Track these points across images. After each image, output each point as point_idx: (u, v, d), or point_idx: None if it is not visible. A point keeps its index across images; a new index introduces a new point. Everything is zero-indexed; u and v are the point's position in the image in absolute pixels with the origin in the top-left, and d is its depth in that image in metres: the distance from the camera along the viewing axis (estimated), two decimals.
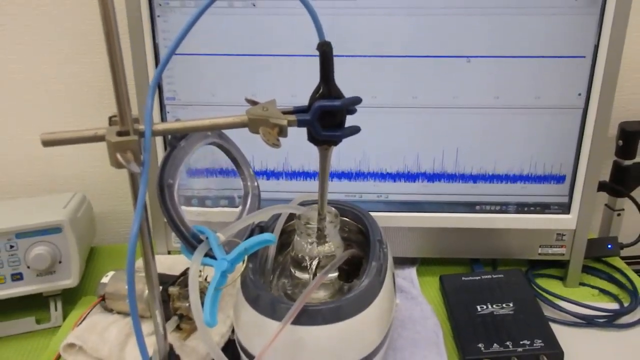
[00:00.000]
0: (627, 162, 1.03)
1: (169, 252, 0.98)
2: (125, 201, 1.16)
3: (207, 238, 0.62)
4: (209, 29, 0.83)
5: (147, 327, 0.73)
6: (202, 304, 0.56)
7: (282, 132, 0.55)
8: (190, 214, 0.92)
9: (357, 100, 0.57)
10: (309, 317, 0.60)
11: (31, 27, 1.01)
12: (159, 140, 0.89)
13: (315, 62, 0.82)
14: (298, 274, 0.72)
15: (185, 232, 0.62)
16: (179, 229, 0.61)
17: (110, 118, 0.55)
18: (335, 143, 0.60)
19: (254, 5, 0.82)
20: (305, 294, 0.60)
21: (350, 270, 0.70)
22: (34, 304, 0.87)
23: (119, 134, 0.51)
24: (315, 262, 0.69)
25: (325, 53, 0.55)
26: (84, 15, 1.01)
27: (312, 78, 0.82)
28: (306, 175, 0.91)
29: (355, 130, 0.59)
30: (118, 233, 1.18)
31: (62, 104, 1.07)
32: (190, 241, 0.62)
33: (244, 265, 0.60)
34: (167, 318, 0.74)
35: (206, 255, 0.61)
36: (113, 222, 1.18)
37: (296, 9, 0.81)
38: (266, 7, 0.82)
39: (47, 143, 0.51)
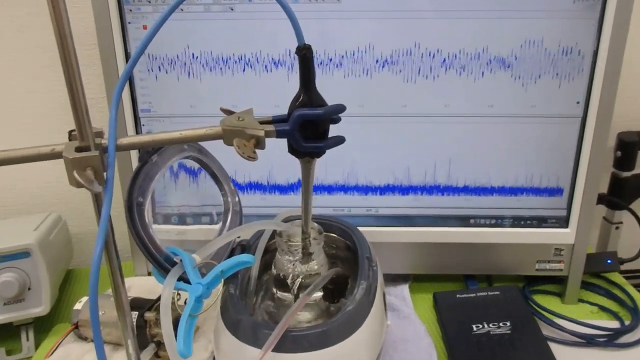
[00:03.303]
0: (626, 174, 0.99)
1: (149, 274, 0.93)
2: None
3: (181, 260, 0.57)
4: (186, 35, 0.79)
5: (122, 356, 0.69)
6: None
7: (259, 143, 0.51)
8: (169, 233, 0.88)
9: (341, 109, 0.53)
10: (293, 342, 0.55)
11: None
12: (134, 155, 0.84)
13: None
14: (280, 294, 0.67)
15: (157, 255, 0.57)
16: (150, 251, 0.57)
17: (69, 132, 0.50)
18: (319, 155, 0.56)
19: (232, 9, 0.78)
20: (287, 318, 0.55)
21: (336, 290, 0.66)
22: (4, 333, 0.82)
23: (78, 149, 0.47)
24: (297, 282, 0.65)
25: (306, 57, 0.51)
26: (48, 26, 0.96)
27: (295, 86, 0.78)
28: (293, 188, 0.86)
29: (339, 140, 0.55)
30: None
31: (35, 120, 1.02)
32: (163, 264, 0.57)
33: (222, 288, 0.55)
34: (144, 345, 0.70)
35: (180, 278, 0.56)
36: (92, 243, 1.12)
37: (278, 12, 0.76)
38: (246, 12, 0.78)
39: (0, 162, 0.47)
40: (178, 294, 0.57)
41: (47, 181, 1.07)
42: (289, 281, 0.65)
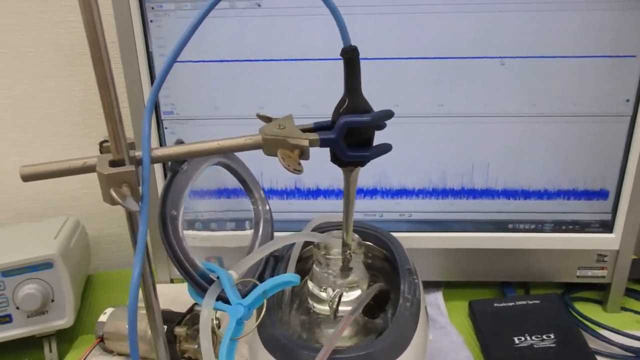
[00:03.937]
0: None
1: (171, 281, 0.90)
2: (122, 222, 1.07)
3: (218, 278, 0.54)
4: (210, 33, 0.75)
5: None
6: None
7: (304, 154, 0.47)
8: (194, 239, 0.84)
9: (389, 114, 0.50)
10: None
11: (6, 41, 0.93)
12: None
13: (329, 67, 0.75)
14: (317, 308, 0.64)
15: (193, 272, 0.53)
16: (186, 268, 0.53)
17: (101, 144, 0.47)
18: (363, 164, 0.52)
19: (259, 5, 0.74)
20: (332, 341, 0.52)
21: (377, 305, 0.62)
22: (27, 345, 0.79)
23: (112, 163, 0.43)
24: (337, 297, 0.61)
25: (352, 60, 0.47)
26: (65, 24, 0.93)
27: (325, 86, 0.75)
28: (321, 193, 0.82)
29: (386, 149, 0.52)
30: (115, 258, 1.10)
31: (48, 122, 0.99)
32: (199, 281, 0.53)
33: (263, 310, 0.52)
34: None
35: (218, 298, 0.52)
36: (110, 246, 1.09)
37: (306, 8, 0.73)
38: (273, 7, 0.74)
39: (27, 178, 0.44)
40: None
41: (61, 183, 1.03)
42: (327, 295, 0.62)
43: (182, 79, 0.77)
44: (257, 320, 0.54)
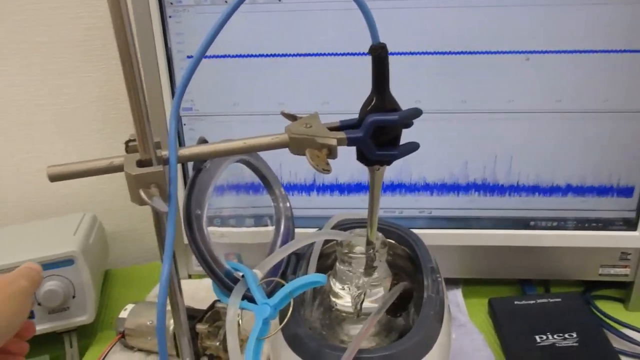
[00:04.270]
0: None
1: (189, 276, 0.90)
2: (139, 218, 1.08)
3: (243, 276, 0.53)
4: (230, 28, 0.73)
5: None
6: None
7: (332, 153, 0.47)
8: (213, 235, 0.84)
9: (417, 113, 0.49)
10: None
11: (21, 37, 0.92)
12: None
13: (351, 62, 0.75)
14: (340, 305, 0.63)
15: (219, 271, 0.53)
16: (212, 268, 0.53)
17: (127, 143, 0.46)
18: (389, 162, 0.52)
19: (280, 0, 0.73)
20: (357, 341, 0.51)
21: (400, 304, 0.62)
22: (47, 340, 0.79)
23: (140, 164, 0.43)
24: (361, 296, 0.61)
25: (380, 58, 0.46)
26: (80, 20, 0.92)
27: (347, 82, 0.74)
28: (340, 188, 0.82)
29: (413, 147, 0.51)
30: (131, 253, 1.10)
31: (65, 118, 0.98)
32: (225, 281, 0.53)
33: (290, 310, 0.51)
34: (194, 358, 0.66)
35: (243, 297, 0.52)
36: (126, 242, 1.09)
37: (327, 2, 0.72)
38: (293, 2, 0.73)
39: (54, 178, 0.43)
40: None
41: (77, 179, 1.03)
42: (349, 293, 0.61)
43: (202, 74, 0.75)
44: (280, 319, 0.53)
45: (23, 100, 0.96)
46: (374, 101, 0.48)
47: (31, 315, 0.74)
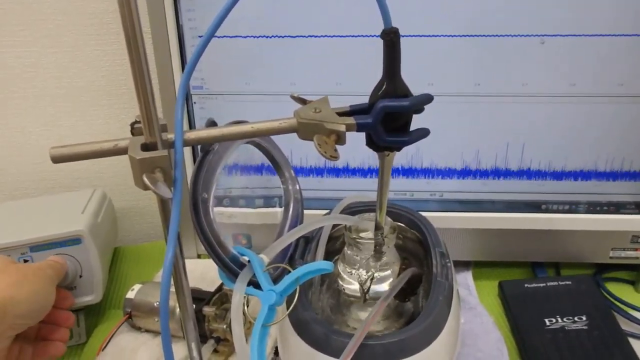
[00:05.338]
0: None
1: (198, 256, 0.90)
2: (149, 194, 1.06)
3: (249, 262, 0.53)
4: (241, 7, 0.72)
5: (180, 347, 0.66)
6: None
7: (340, 139, 0.46)
8: (221, 215, 0.83)
9: (428, 99, 0.48)
10: (369, 353, 0.51)
11: (33, 10, 0.91)
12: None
13: (365, 44, 0.73)
14: (348, 289, 0.63)
15: (224, 256, 0.52)
16: (217, 253, 0.52)
17: (132, 125, 0.46)
18: (399, 148, 0.51)
19: None
20: (365, 327, 0.51)
21: (409, 289, 0.61)
22: None
23: (144, 147, 0.42)
24: (369, 282, 0.60)
25: (392, 42, 0.45)
26: None
27: (360, 63, 0.73)
28: (351, 171, 0.81)
29: (424, 133, 0.50)
30: (141, 230, 1.10)
31: (75, 92, 0.97)
32: (229, 265, 0.53)
33: (296, 297, 0.51)
34: (202, 341, 0.66)
35: (250, 282, 0.52)
36: (135, 218, 1.09)
37: None
38: None
39: (57, 159, 0.43)
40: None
41: None
42: (357, 277, 0.61)
43: (213, 53, 0.75)
44: (287, 304, 0.53)
45: (33, 73, 0.95)
46: (384, 86, 0.47)
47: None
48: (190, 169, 0.79)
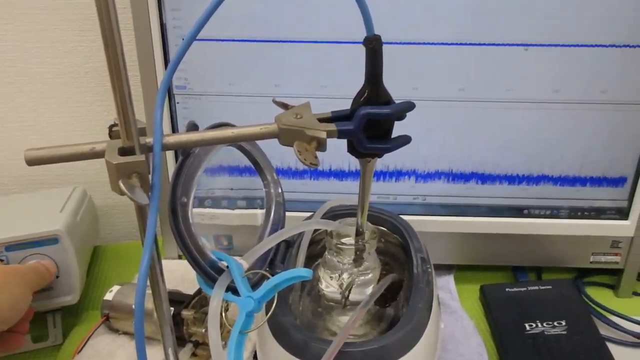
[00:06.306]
0: None
1: (179, 257, 0.89)
2: None
3: (227, 267, 0.52)
4: (226, 9, 0.72)
5: (158, 351, 0.65)
6: None
7: (321, 146, 0.45)
8: (202, 216, 0.83)
9: (410, 107, 0.48)
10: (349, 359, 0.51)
11: (19, 3, 0.90)
12: None
13: (350, 48, 0.73)
14: (328, 294, 0.62)
15: (202, 262, 0.52)
16: (195, 259, 0.52)
17: (110, 128, 0.45)
18: (380, 155, 0.50)
19: None
20: (344, 333, 0.50)
21: (389, 295, 0.61)
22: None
23: (122, 151, 0.41)
24: (350, 287, 0.60)
25: (374, 50, 0.45)
26: None
27: (345, 66, 0.72)
28: (334, 174, 0.80)
29: (405, 141, 0.49)
30: (123, 228, 1.09)
31: (58, 87, 0.96)
32: (209, 272, 0.52)
33: (274, 304, 0.50)
34: (180, 344, 0.66)
35: (228, 288, 0.51)
36: (118, 216, 1.08)
37: None
38: None
39: (31, 162, 0.42)
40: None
41: None
42: (338, 283, 0.61)
43: (197, 54, 0.74)
44: (266, 310, 0.52)
45: (15, 68, 0.93)
46: (366, 93, 0.46)
47: None
48: (171, 169, 0.78)
